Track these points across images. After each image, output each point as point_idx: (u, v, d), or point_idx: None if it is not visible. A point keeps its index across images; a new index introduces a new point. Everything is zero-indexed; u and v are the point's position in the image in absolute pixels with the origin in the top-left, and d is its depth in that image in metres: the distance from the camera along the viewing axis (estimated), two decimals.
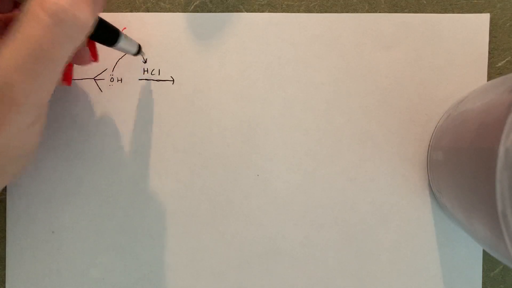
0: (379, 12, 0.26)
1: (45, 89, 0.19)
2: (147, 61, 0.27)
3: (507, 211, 0.15)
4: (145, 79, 0.27)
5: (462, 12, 0.26)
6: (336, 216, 0.26)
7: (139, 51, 0.25)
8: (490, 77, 0.26)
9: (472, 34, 0.26)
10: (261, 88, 0.26)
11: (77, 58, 0.23)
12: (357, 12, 0.26)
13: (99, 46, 0.23)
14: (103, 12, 0.26)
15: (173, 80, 0.27)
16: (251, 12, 0.26)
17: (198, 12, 0.27)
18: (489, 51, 0.26)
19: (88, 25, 0.18)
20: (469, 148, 0.18)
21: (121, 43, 0.23)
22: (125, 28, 0.27)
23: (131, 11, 0.27)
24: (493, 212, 0.15)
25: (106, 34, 0.22)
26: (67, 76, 0.23)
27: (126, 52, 0.24)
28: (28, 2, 0.17)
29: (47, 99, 0.19)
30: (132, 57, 0.26)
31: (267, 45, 0.26)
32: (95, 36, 0.21)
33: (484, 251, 0.25)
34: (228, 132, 0.26)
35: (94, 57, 0.23)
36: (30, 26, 0.17)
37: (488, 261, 0.26)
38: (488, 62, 0.26)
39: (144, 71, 0.27)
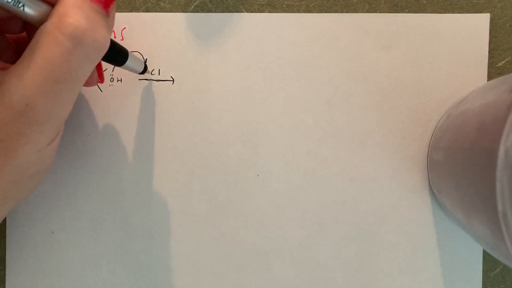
0: (379, 12, 0.26)
1: (65, 108, 0.19)
2: (147, 61, 0.27)
3: (507, 211, 0.15)
4: (145, 79, 0.27)
5: (462, 12, 0.26)
6: (336, 216, 0.26)
7: (145, 70, 0.25)
8: (490, 77, 0.26)
9: (472, 34, 0.26)
10: (261, 88, 0.26)
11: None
12: (357, 12, 0.26)
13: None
14: None
15: (173, 80, 0.27)
16: (251, 12, 0.26)
17: (198, 12, 0.27)
18: (489, 51, 0.26)
19: (105, 46, 0.19)
20: (469, 148, 0.18)
21: (129, 62, 0.23)
22: (125, 28, 0.27)
23: (131, 11, 0.27)
24: (493, 212, 0.15)
25: (116, 54, 0.22)
26: (100, 75, 0.24)
27: (132, 71, 0.24)
28: (45, 24, 0.17)
29: (66, 116, 0.20)
30: None
31: (267, 45, 0.26)
32: (106, 56, 0.21)
33: (484, 251, 0.25)
34: (228, 132, 0.26)
35: (101, 78, 0.23)
36: (49, 48, 0.17)
37: (488, 261, 0.26)
38: (488, 62, 0.26)
39: None
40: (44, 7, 0.18)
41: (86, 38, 0.17)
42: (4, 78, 0.18)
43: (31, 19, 0.18)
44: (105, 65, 0.27)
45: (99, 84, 0.27)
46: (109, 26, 0.19)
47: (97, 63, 0.19)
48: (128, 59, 0.23)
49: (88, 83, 0.23)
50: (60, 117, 0.19)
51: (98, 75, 0.23)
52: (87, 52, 0.18)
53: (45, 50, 0.17)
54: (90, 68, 0.19)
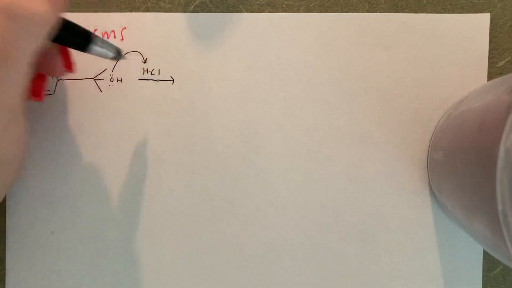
0: (379, 12, 0.26)
1: (9, 91, 0.17)
2: (147, 61, 0.27)
3: (507, 211, 0.15)
4: (145, 79, 0.27)
5: (462, 12, 0.26)
6: (336, 216, 0.26)
7: (119, 55, 0.23)
8: (490, 77, 0.26)
9: (472, 34, 0.26)
10: (261, 88, 0.26)
11: (49, 67, 0.21)
12: (357, 12, 0.26)
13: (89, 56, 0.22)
14: (102, 12, 0.27)
15: (173, 80, 0.27)
16: (251, 12, 0.26)
17: (198, 12, 0.27)
18: (489, 51, 0.26)
19: (46, 20, 0.17)
20: (469, 148, 0.18)
21: (95, 47, 0.21)
22: (125, 28, 0.27)
23: (131, 11, 0.27)
24: (493, 212, 0.15)
25: (73, 37, 0.20)
26: (36, 91, 0.22)
27: (103, 57, 0.22)
28: None
29: (16, 102, 0.18)
30: (132, 56, 0.26)
31: (267, 45, 0.26)
32: (61, 39, 0.19)
33: (484, 251, 0.25)
34: (228, 132, 0.26)
35: (68, 66, 0.21)
36: None
37: (488, 261, 0.26)
38: (488, 62, 0.26)
39: (144, 71, 0.27)
40: None
41: (21, 10, 0.16)
42: None
43: None
44: (105, 64, 0.27)
45: (98, 84, 0.27)
46: (56, 2, 0.18)
47: (40, 40, 0.17)
48: (94, 42, 0.21)
49: (53, 72, 0.21)
50: (4, 100, 0.17)
51: (65, 63, 0.21)
52: (25, 26, 0.16)
53: None
54: (31, 44, 0.17)
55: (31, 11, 0.16)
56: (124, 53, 0.23)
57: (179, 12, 0.27)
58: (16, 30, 0.16)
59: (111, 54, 0.22)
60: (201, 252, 0.26)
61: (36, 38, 0.17)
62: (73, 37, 0.20)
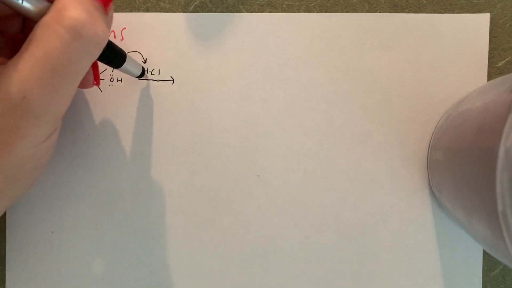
0: (379, 12, 0.26)
1: (63, 103, 0.19)
2: (147, 61, 0.27)
3: (507, 211, 0.15)
4: (145, 79, 0.27)
5: (462, 12, 0.26)
6: (336, 216, 0.26)
7: (142, 73, 0.25)
8: (490, 77, 0.26)
9: (472, 34, 0.26)
10: (261, 88, 0.26)
11: (82, 80, 0.23)
12: (357, 12, 0.26)
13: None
14: None
15: (173, 80, 0.27)
16: (251, 12, 0.26)
17: (198, 12, 0.27)
18: (489, 51, 0.26)
19: (104, 40, 0.18)
20: (469, 148, 0.18)
21: (127, 65, 0.23)
22: (125, 28, 0.27)
23: (131, 11, 0.27)
24: (493, 212, 0.15)
25: (113, 54, 0.22)
26: (96, 77, 0.24)
27: (130, 74, 0.24)
28: (44, 18, 0.17)
29: (64, 112, 0.19)
30: (132, 56, 0.26)
31: (267, 45, 0.26)
32: (103, 57, 0.21)
33: (484, 251, 0.25)
34: (228, 132, 0.26)
35: (97, 80, 0.23)
36: (48, 41, 0.17)
37: (488, 261, 0.26)
38: (488, 62, 0.26)
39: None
40: (43, 3, 0.18)
41: (85, 31, 0.17)
42: (1, 71, 0.17)
43: (29, 14, 0.18)
44: (105, 65, 0.26)
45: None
46: (108, 23, 0.19)
47: (95, 59, 0.19)
48: (126, 61, 0.23)
49: (83, 85, 0.23)
50: (57, 111, 0.19)
51: (94, 76, 0.23)
52: (86, 45, 0.18)
53: (44, 43, 0.17)
54: (88, 62, 0.19)
55: (93, 33, 0.18)
56: (146, 73, 0.26)
57: (179, 12, 0.27)
58: (79, 49, 0.18)
59: (138, 73, 0.25)
60: (201, 252, 0.26)
61: (92, 57, 0.19)
62: (112, 56, 0.22)
